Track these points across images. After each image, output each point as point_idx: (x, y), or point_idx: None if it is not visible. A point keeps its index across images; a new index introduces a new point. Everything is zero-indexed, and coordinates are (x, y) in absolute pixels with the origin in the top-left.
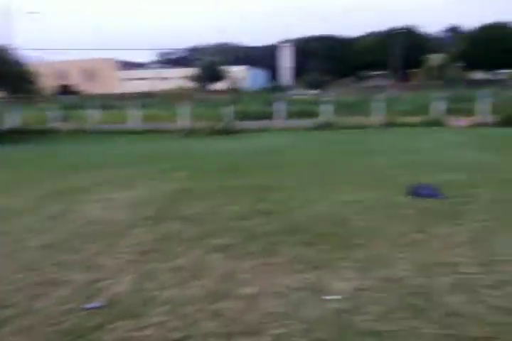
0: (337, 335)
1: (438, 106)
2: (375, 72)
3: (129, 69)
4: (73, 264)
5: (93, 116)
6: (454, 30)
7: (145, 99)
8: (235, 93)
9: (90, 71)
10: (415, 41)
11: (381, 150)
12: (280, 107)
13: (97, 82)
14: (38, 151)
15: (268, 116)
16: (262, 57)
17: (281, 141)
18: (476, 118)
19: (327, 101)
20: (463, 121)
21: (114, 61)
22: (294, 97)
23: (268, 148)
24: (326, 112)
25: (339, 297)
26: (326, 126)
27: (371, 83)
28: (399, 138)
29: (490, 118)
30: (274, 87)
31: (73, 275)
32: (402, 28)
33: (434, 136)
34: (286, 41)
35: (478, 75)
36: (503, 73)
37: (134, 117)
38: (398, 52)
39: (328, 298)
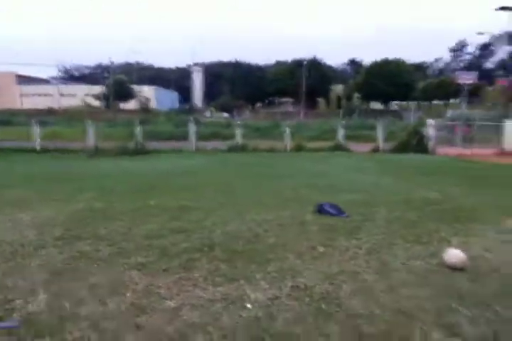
0: (254, 339)
1: (340, 133)
2: (284, 99)
3: (29, 84)
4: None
5: None
6: (354, 63)
7: (47, 115)
8: (146, 113)
9: None
10: (321, 72)
11: (290, 174)
12: (193, 129)
13: None
14: None
15: (180, 137)
16: (173, 79)
17: (194, 162)
18: (374, 145)
19: (240, 124)
20: (362, 147)
21: (14, 75)
22: (207, 120)
23: (181, 170)
24: (239, 135)
25: (255, 305)
26: (239, 149)
27: (281, 109)
28: (306, 162)
29: (386, 145)
30: (188, 109)
31: None
32: (309, 60)
33: (338, 161)
34: (197, 64)
35: (376, 105)
36: (396, 104)
37: (35, 135)
38: (305, 82)
39: (248, 305)
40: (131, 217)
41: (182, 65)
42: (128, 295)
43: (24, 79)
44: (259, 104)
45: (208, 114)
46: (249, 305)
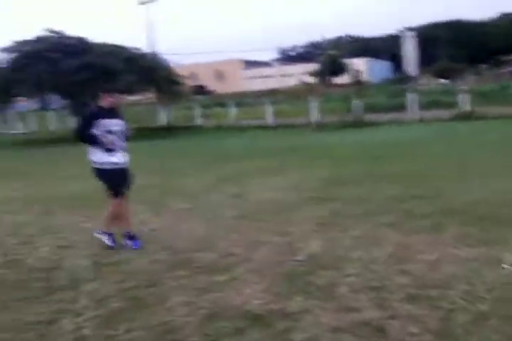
0: None
1: None
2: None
3: (253, 67)
4: (267, 230)
5: (231, 113)
6: None
7: (272, 96)
8: (359, 86)
9: (219, 72)
10: None
11: None
12: (413, 98)
13: (225, 82)
14: (192, 144)
15: (397, 108)
16: (383, 48)
17: (418, 132)
18: None
19: (464, 90)
20: None
21: (239, 61)
22: (424, 88)
23: (407, 140)
24: (464, 102)
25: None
26: (465, 117)
27: (510, 68)
28: None
29: None
30: (401, 78)
31: (272, 238)
32: None
33: None
34: (408, 29)
35: None
36: None
37: (267, 113)
38: None
39: (505, 266)
40: (368, 183)
41: (392, 31)
42: (387, 247)
43: (248, 64)
44: (484, 66)
45: (424, 81)
46: (506, 266)
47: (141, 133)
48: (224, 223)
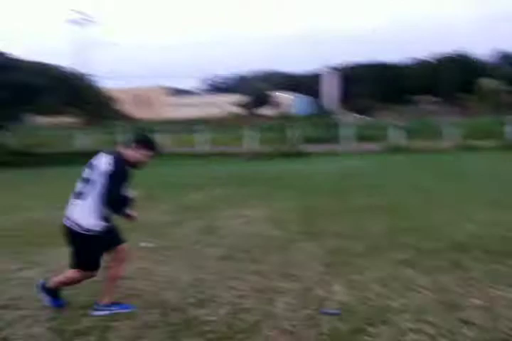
0: None
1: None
2: (423, 97)
3: (178, 95)
4: (270, 274)
5: (163, 140)
6: (502, 54)
7: (202, 124)
8: (285, 119)
9: (143, 98)
10: (466, 66)
11: (480, 174)
12: (346, 131)
13: (148, 109)
14: None
15: (329, 140)
16: (307, 84)
17: (360, 163)
18: None
19: (396, 125)
20: None
21: (165, 88)
22: (349, 122)
23: (355, 171)
24: (395, 137)
25: None
26: (397, 150)
27: (421, 108)
28: (484, 161)
29: None
30: (323, 113)
31: (282, 284)
32: (452, 53)
33: None
34: (330, 68)
35: None
36: None
37: (201, 141)
38: (449, 77)
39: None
40: (348, 216)
41: (311, 68)
42: (424, 291)
43: (171, 91)
44: (396, 104)
45: (344, 116)
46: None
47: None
48: (210, 265)
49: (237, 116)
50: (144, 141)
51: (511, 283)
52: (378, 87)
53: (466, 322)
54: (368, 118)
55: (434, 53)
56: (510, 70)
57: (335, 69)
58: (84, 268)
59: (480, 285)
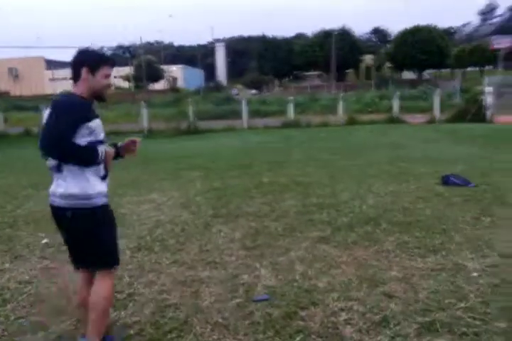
0: None
1: (395, 104)
2: (310, 72)
3: (57, 68)
4: (190, 263)
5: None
6: (378, 32)
7: None
8: (175, 93)
9: (16, 71)
10: (350, 42)
11: (367, 147)
12: (243, 107)
13: (25, 83)
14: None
15: (226, 115)
16: (196, 57)
17: (261, 139)
18: (430, 116)
19: (291, 101)
20: (419, 119)
21: (42, 60)
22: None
23: (259, 147)
24: (291, 112)
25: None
26: (293, 125)
27: (309, 82)
28: (373, 135)
29: (441, 115)
30: (214, 87)
31: (209, 274)
32: (338, 30)
33: (403, 132)
34: (219, 40)
35: (407, 75)
36: (429, 73)
37: None
38: (334, 53)
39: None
40: (259, 194)
41: (202, 42)
42: (346, 268)
43: (52, 64)
44: (286, 79)
45: (234, 91)
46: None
47: None
48: (123, 259)
49: (124, 90)
50: (102, 59)
51: (421, 253)
52: (268, 61)
53: (390, 296)
54: (261, 93)
55: (323, 31)
56: (389, 48)
57: (223, 42)
58: (114, 261)
59: (395, 257)
